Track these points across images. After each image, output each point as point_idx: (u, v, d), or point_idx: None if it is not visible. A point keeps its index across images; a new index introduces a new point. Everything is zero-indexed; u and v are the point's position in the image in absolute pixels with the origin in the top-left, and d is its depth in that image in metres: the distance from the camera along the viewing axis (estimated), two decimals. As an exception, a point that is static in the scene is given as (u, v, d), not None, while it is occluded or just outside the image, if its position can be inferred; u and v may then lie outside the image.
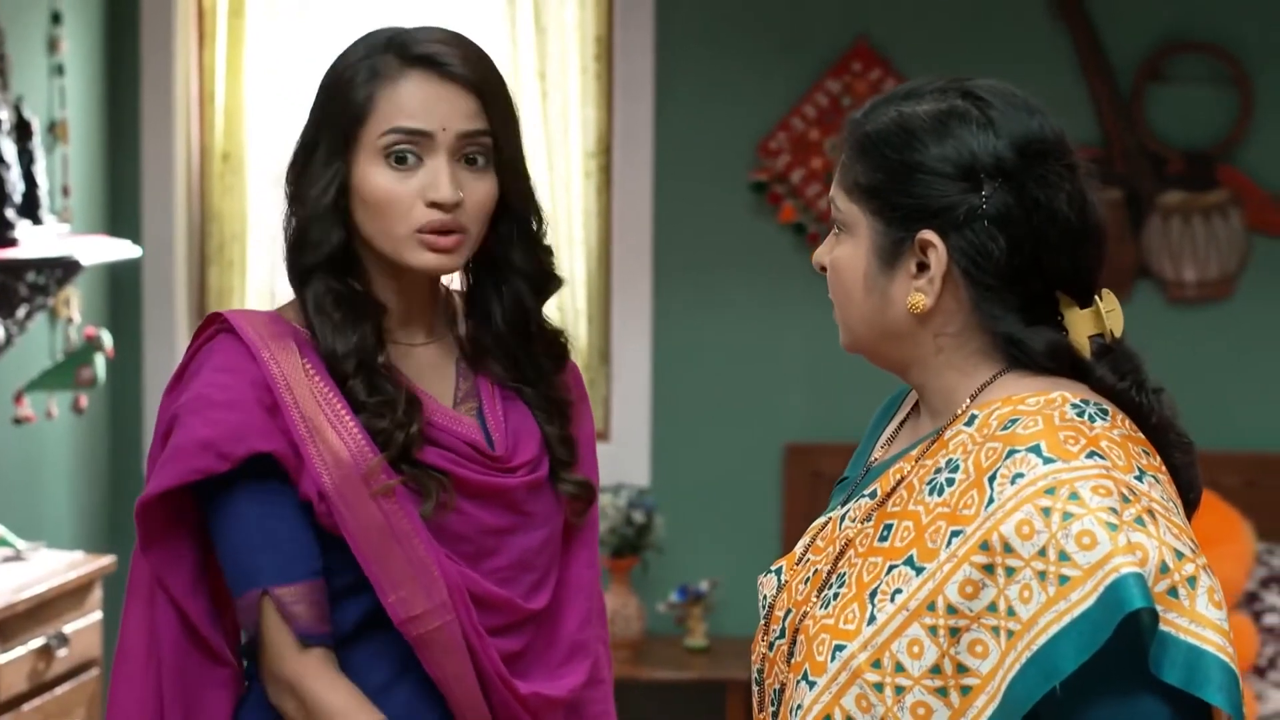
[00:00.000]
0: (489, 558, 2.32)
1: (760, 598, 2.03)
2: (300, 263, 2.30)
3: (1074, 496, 1.73)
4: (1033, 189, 1.83)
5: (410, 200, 2.25)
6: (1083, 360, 1.87)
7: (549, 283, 2.42)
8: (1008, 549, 1.73)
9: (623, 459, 5.57)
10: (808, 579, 1.94)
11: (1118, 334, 1.89)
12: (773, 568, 2.03)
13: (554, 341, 2.44)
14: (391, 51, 2.27)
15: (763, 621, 2.00)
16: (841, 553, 1.91)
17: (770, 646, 1.96)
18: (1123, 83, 5.44)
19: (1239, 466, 5.39)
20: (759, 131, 5.56)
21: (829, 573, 1.91)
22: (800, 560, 1.99)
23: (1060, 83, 5.38)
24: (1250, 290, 5.46)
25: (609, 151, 5.64)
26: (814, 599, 1.90)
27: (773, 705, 1.95)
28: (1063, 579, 1.70)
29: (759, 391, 5.59)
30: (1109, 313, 1.89)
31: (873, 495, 1.93)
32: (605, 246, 5.67)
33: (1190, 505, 1.90)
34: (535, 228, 2.39)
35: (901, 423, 2.03)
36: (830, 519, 1.99)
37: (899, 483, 1.90)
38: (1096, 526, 1.70)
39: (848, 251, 1.90)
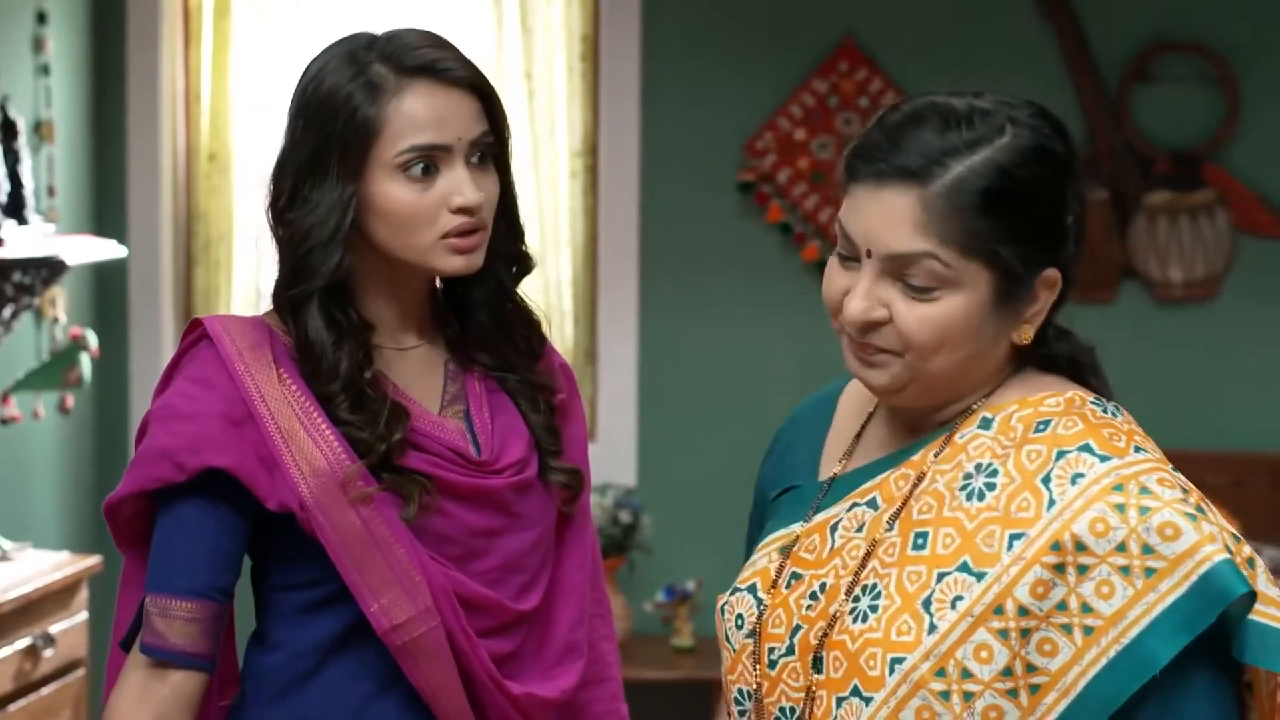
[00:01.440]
0: (477, 559, 2.31)
1: (734, 618, 1.98)
2: (296, 291, 2.27)
3: (1144, 491, 1.76)
4: (1081, 186, 1.87)
5: (435, 209, 2.25)
6: (1090, 362, 1.93)
7: (524, 263, 2.40)
8: (1080, 547, 1.75)
9: (609, 459, 5.57)
10: (814, 593, 1.91)
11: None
12: (740, 586, 1.99)
13: (532, 323, 2.43)
14: (383, 63, 2.25)
15: (747, 640, 1.96)
16: (863, 564, 1.88)
17: (771, 665, 1.92)
18: (1109, 82, 5.44)
19: (1225, 466, 5.39)
20: (746, 131, 5.56)
21: (851, 584, 1.88)
22: (779, 578, 1.95)
23: (1046, 82, 5.38)
24: (1236, 290, 5.47)
25: (595, 152, 5.64)
26: (837, 612, 1.87)
27: None
28: (1149, 571, 1.73)
29: (746, 391, 5.59)
30: None
31: (871, 504, 1.92)
32: (591, 247, 5.67)
33: None
34: (516, 214, 2.39)
35: (857, 435, 2.02)
36: (807, 529, 1.95)
37: (914, 488, 1.89)
38: (1177, 517, 1.74)
39: (959, 307, 1.82)
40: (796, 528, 1.97)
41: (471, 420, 2.36)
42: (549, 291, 5.64)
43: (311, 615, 2.30)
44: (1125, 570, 1.73)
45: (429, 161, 2.24)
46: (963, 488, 1.84)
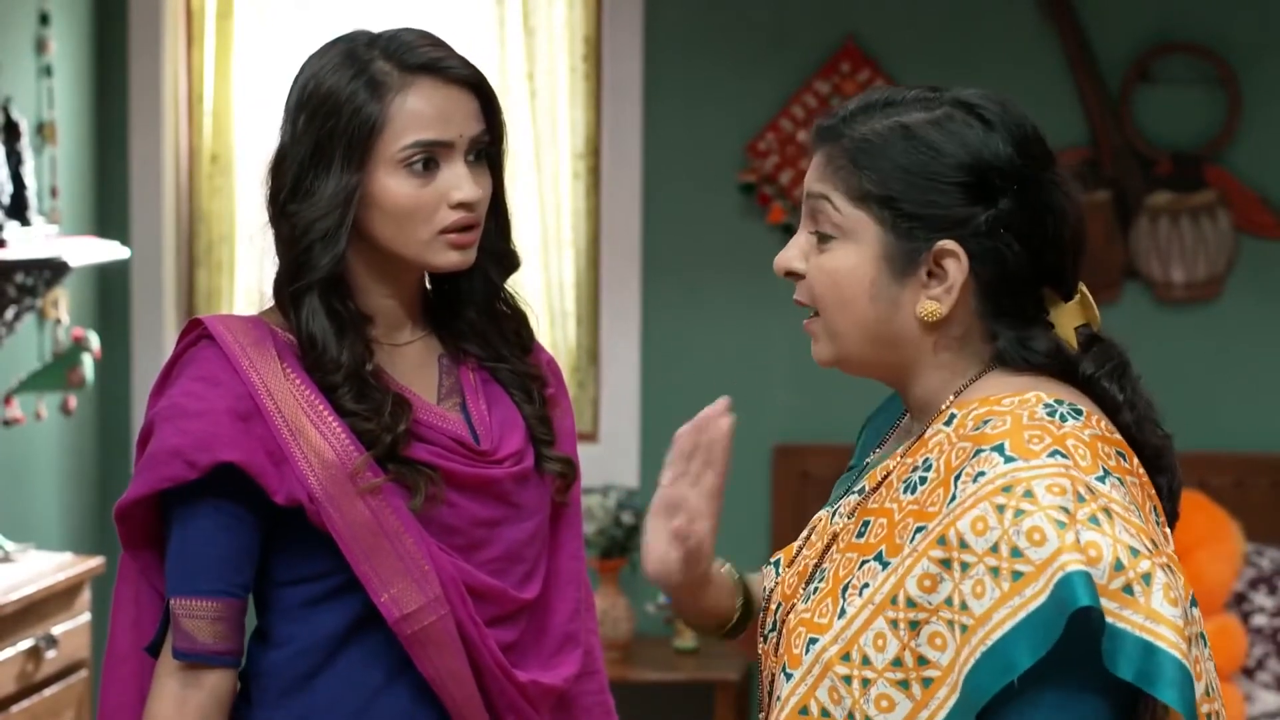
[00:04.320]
0: (480, 549, 2.34)
1: (762, 590, 2.07)
2: (297, 284, 2.30)
3: (1028, 494, 1.74)
4: (1041, 192, 1.85)
5: (435, 204, 2.29)
6: (1071, 355, 1.89)
7: (510, 260, 2.44)
8: (963, 544, 1.75)
9: (611, 460, 5.57)
10: (797, 573, 1.98)
11: (1096, 325, 1.92)
12: (771, 560, 2.07)
13: (521, 317, 2.47)
14: (386, 61, 2.28)
15: (761, 614, 2.04)
16: (828, 548, 1.94)
17: (764, 639, 2.00)
18: (1111, 83, 5.44)
19: (1227, 467, 5.40)
20: (748, 132, 5.56)
21: (814, 567, 1.94)
22: (797, 555, 2.03)
23: (1048, 83, 5.38)
24: (1238, 291, 5.47)
25: (598, 153, 5.64)
26: (800, 593, 1.93)
27: (768, 697, 1.98)
28: (1015, 574, 1.72)
29: (747, 392, 5.59)
30: (1089, 305, 1.92)
31: (860, 492, 1.96)
32: (594, 247, 5.67)
33: (1170, 492, 1.92)
34: (505, 212, 2.42)
35: (898, 423, 2.05)
36: (825, 514, 2.02)
37: (883, 480, 1.92)
38: (1046, 523, 1.72)
39: (848, 259, 1.89)
40: (829, 509, 2.03)
41: (469, 412, 2.39)
42: (551, 292, 5.64)
43: (317, 609, 2.32)
44: (995, 572, 1.72)
45: (430, 157, 2.29)
46: (905, 480, 1.87)
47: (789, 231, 5.55)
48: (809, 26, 5.53)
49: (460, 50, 2.35)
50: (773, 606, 2.01)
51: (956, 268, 1.84)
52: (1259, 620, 5.09)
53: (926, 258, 1.85)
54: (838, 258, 1.89)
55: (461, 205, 2.29)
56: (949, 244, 1.84)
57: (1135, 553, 1.73)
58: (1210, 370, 5.48)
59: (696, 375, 5.61)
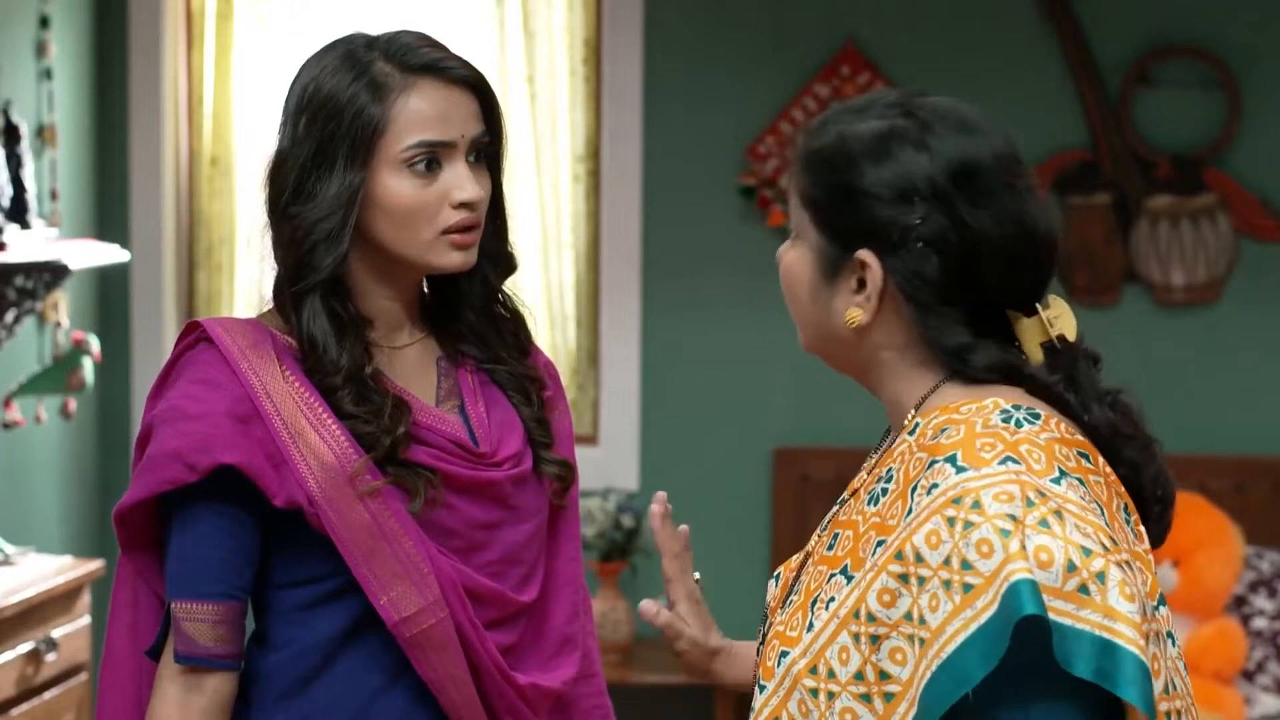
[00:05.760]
0: (479, 552, 2.35)
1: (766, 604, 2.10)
2: (298, 286, 2.30)
3: (976, 505, 1.75)
4: (962, 212, 1.85)
5: (437, 204, 2.30)
6: (1026, 367, 1.89)
7: (508, 262, 2.44)
8: (919, 558, 1.76)
9: (611, 463, 5.57)
10: (781, 586, 2.01)
11: (1071, 337, 1.91)
12: (775, 573, 2.08)
13: (519, 319, 2.48)
14: (387, 62, 2.29)
15: (759, 627, 2.06)
16: (805, 560, 1.96)
17: (758, 652, 2.02)
18: (1111, 87, 5.44)
19: (1227, 470, 5.40)
20: (748, 135, 5.56)
21: (794, 580, 1.97)
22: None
23: (1048, 86, 5.38)
24: (1238, 294, 5.47)
25: (598, 155, 5.65)
26: (781, 606, 1.96)
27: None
28: (966, 587, 1.72)
29: (747, 395, 5.59)
30: (1055, 318, 1.91)
31: (841, 503, 1.98)
32: (594, 250, 5.67)
33: (1160, 502, 1.92)
34: (504, 214, 2.43)
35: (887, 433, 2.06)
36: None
37: (854, 492, 1.94)
38: (993, 534, 1.73)
39: (796, 256, 1.96)
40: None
41: (467, 414, 2.40)
42: (551, 294, 5.64)
43: (315, 612, 2.32)
44: (947, 585, 1.73)
45: (433, 157, 2.30)
46: (870, 492, 1.89)
47: (788, 235, 5.55)
48: (809, 29, 5.53)
49: (460, 52, 2.36)
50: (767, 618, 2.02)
51: (872, 278, 1.88)
52: (1259, 623, 5.09)
53: (852, 266, 1.89)
54: (791, 254, 1.97)
55: (464, 205, 2.30)
56: (865, 254, 1.88)
57: (1088, 552, 1.73)
58: (1210, 373, 5.48)
59: (696, 378, 5.61)
